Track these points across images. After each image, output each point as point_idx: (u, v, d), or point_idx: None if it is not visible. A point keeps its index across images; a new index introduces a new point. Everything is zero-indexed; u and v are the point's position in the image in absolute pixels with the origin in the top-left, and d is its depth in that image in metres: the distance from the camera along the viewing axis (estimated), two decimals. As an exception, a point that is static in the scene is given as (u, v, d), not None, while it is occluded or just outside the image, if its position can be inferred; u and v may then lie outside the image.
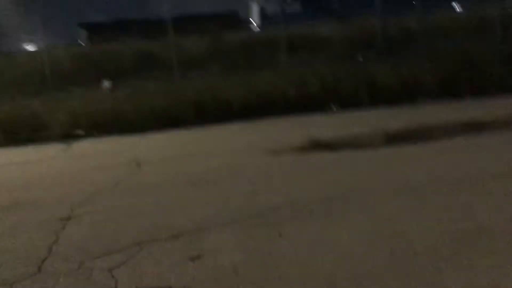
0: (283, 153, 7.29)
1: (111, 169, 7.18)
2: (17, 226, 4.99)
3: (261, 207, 4.89)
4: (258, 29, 25.88)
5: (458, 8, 20.23)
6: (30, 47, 19.43)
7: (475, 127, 7.78)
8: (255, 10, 27.63)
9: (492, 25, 13.77)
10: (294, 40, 14.20)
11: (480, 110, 9.04)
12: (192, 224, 4.55)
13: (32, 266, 3.92)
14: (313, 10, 26.42)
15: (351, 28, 15.20)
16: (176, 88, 11.61)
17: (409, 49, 13.18)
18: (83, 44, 22.29)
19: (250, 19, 28.04)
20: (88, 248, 4.17)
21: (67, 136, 9.93)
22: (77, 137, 9.96)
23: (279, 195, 5.23)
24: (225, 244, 4.04)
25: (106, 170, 7.19)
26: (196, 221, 4.61)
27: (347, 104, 10.55)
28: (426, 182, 5.24)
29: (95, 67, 14.21)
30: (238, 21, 31.44)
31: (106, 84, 13.12)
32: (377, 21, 14.06)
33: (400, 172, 5.74)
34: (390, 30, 14.51)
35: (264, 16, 27.04)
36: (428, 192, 4.92)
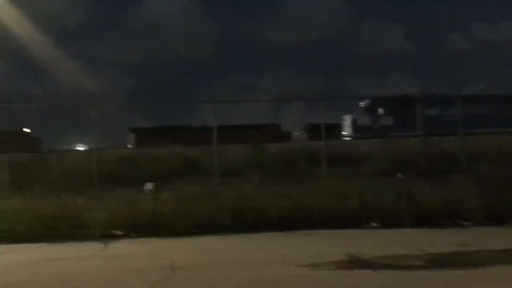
0: (320, 267, 7.12)
1: (146, 272, 7.13)
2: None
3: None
4: (349, 139, 26.87)
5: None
6: (81, 147, 20.34)
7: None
8: (347, 121, 28.76)
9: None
10: (335, 153, 14.38)
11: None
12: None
13: None
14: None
15: (393, 146, 15.38)
16: (216, 194, 11.76)
17: (451, 170, 13.13)
18: (131, 147, 23.23)
19: (344, 131, 29.29)
20: None
21: (106, 235, 10.05)
22: (115, 237, 10.06)
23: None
24: None
25: (141, 272, 7.15)
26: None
27: (387, 221, 10.39)
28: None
29: (140, 169, 14.67)
30: (280, 133, 32.45)
31: (149, 186, 13.43)
32: (420, 142, 14.22)
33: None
34: (432, 150, 14.60)
35: (356, 128, 28.37)
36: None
